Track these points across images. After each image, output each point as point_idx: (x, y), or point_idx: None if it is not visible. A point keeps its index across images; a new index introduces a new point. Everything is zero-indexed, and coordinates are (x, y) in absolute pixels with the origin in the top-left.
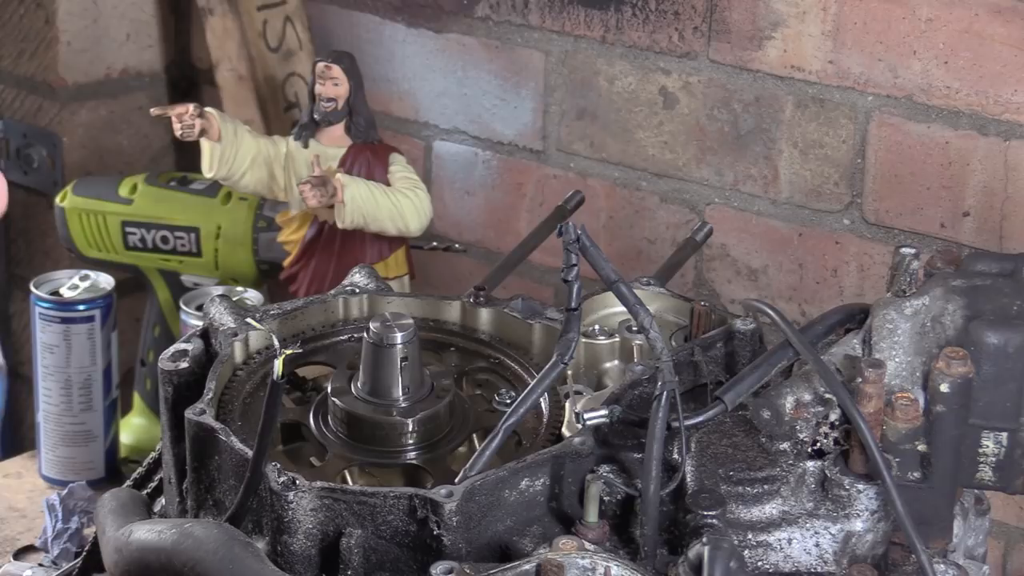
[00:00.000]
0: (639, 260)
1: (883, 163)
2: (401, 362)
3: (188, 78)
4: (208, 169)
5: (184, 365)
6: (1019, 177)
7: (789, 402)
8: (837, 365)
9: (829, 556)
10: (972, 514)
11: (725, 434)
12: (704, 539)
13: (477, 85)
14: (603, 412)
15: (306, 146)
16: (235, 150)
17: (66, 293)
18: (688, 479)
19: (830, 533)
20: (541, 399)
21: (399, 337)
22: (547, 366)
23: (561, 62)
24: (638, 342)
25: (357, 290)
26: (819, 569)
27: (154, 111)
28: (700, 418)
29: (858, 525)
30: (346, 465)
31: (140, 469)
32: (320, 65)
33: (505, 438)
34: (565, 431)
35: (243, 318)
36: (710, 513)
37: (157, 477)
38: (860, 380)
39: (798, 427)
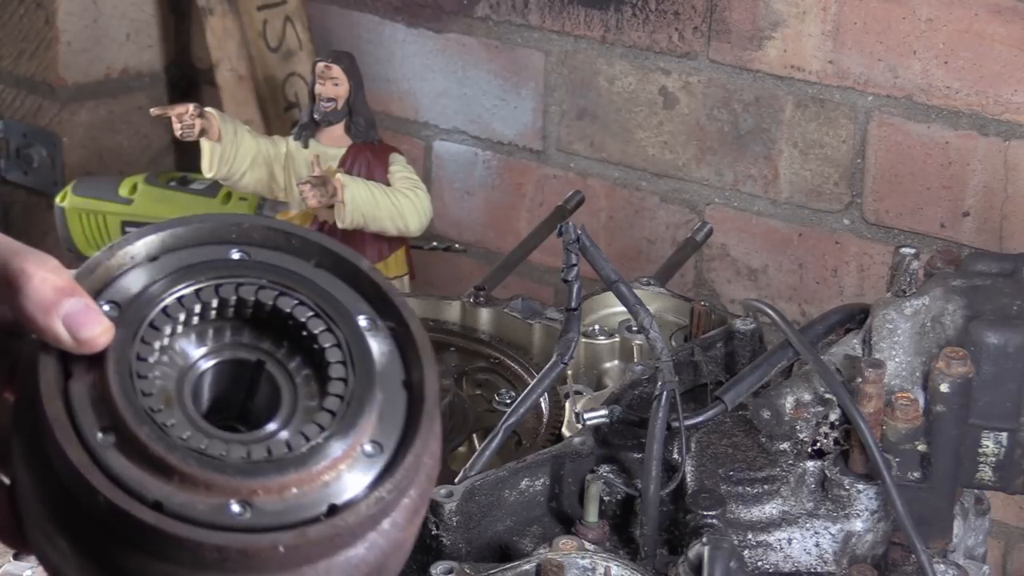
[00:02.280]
0: (639, 260)
1: (883, 163)
2: None
3: (188, 78)
4: (208, 169)
5: None
6: (1019, 177)
7: (789, 402)
8: (837, 365)
9: (829, 556)
10: (972, 514)
11: (725, 434)
12: (704, 539)
13: (477, 85)
14: (603, 412)
15: (306, 146)
16: (235, 150)
17: None
18: (688, 479)
19: (830, 533)
20: (541, 399)
21: None
22: (547, 366)
23: (561, 62)
24: (638, 342)
25: None
26: (819, 569)
27: (154, 111)
28: (700, 418)
29: (858, 525)
30: None
31: None
32: (320, 65)
33: (505, 438)
34: (565, 431)
35: None
36: (710, 513)
37: None
38: (860, 380)
39: (798, 427)
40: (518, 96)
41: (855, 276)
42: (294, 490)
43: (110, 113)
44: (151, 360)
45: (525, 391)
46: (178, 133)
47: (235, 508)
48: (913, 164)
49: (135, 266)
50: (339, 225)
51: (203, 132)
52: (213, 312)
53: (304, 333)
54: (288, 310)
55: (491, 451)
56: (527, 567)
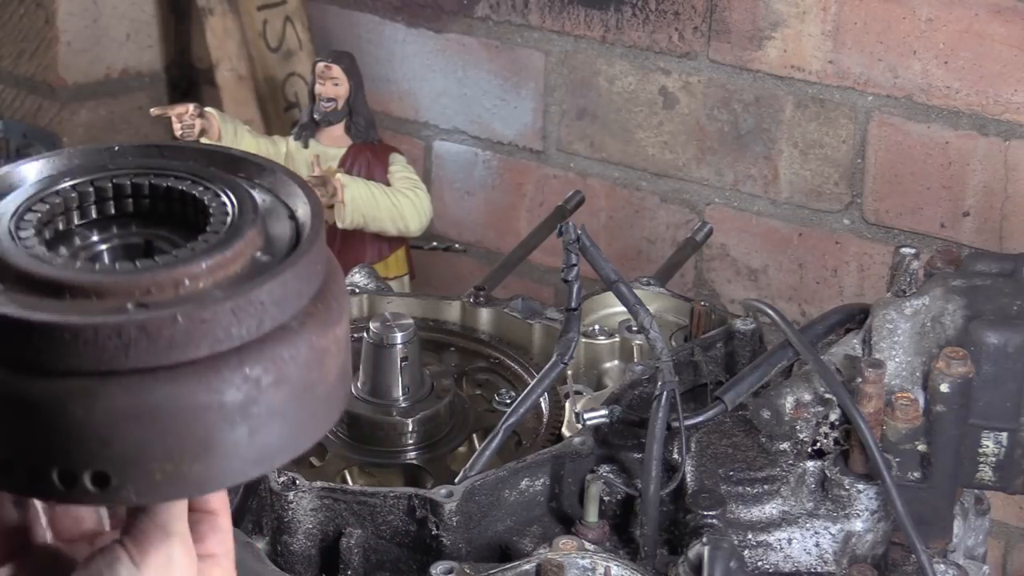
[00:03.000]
0: (639, 260)
1: (883, 163)
2: (401, 362)
3: (188, 78)
4: None
5: None
6: (1019, 177)
7: (789, 402)
8: (837, 365)
9: (829, 556)
10: (972, 514)
11: (725, 434)
12: (704, 539)
13: (477, 85)
14: (603, 412)
15: (306, 146)
16: None
17: None
18: (688, 479)
19: (830, 533)
20: (541, 399)
21: (399, 337)
22: (547, 366)
23: (561, 62)
24: (638, 342)
25: (357, 290)
26: (819, 569)
27: (154, 111)
28: (700, 418)
29: (858, 525)
30: (346, 465)
31: None
32: (320, 65)
33: (505, 438)
34: (565, 431)
35: None
36: (710, 513)
37: None
38: (860, 380)
39: (798, 427)
40: (518, 96)
41: (855, 276)
42: (187, 282)
43: (110, 113)
44: (33, 236)
45: (525, 391)
46: (178, 133)
47: (131, 308)
48: (913, 164)
49: (11, 192)
50: (339, 225)
51: (203, 132)
52: (93, 208)
53: (186, 205)
54: (165, 184)
55: (491, 451)
56: (527, 567)
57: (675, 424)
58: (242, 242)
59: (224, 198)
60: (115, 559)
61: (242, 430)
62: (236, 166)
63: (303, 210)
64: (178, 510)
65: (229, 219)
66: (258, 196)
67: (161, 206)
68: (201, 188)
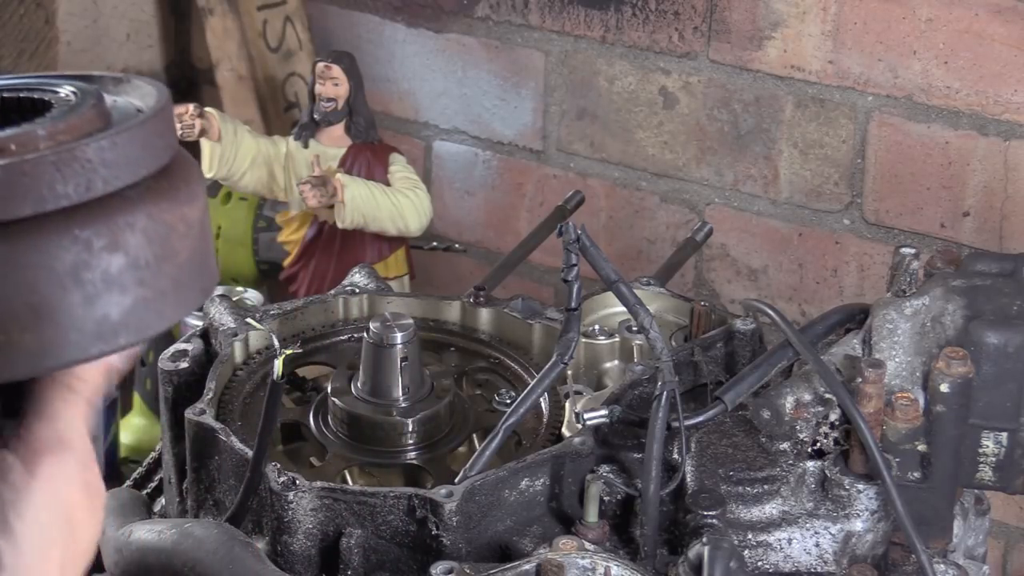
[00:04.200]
0: (639, 260)
1: (883, 163)
2: (401, 362)
3: (188, 78)
4: (208, 169)
5: (184, 365)
6: (1019, 177)
7: (789, 402)
8: (837, 365)
9: (829, 556)
10: (972, 514)
11: (725, 434)
12: (704, 539)
13: (477, 85)
14: (603, 412)
15: (306, 146)
16: (235, 150)
17: None
18: (688, 479)
19: (830, 533)
20: (541, 399)
21: (399, 337)
22: (547, 366)
23: (561, 62)
24: (638, 342)
25: (357, 290)
26: (819, 569)
27: None
28: (700, 418)
29: (858, 525)
30: (346, 465)
31: (140, 469)
32: (320, 65)
33: (505, 438)
34: (565, 431)
35: (243, 318)
36: (710, 513)
37: (157, 477)
38: (860, 380)
39: (798, 427)
40: (518, 96)
41: (855, 276)
42: (12, 147)
43: None
44: None
45: (525, 391)
46: (178, 133)
47: None
48: (913, 164)
49: None
50: (339, 225)
51: (203, 132)
52: None
53: (37, 115)
54: (17, 97)
55: (491, 451)
56: (527, 567)
57: (675, 424)
58: (78, 118)
59: (72, 97)
60: (6, 467)
61: (76, 297)
62: (92, 80)
63: (152, 103)
64: (78, 421)
65: (73, 100)
66: (109, 97)
67: (15, 119)
68: (51, 94)
